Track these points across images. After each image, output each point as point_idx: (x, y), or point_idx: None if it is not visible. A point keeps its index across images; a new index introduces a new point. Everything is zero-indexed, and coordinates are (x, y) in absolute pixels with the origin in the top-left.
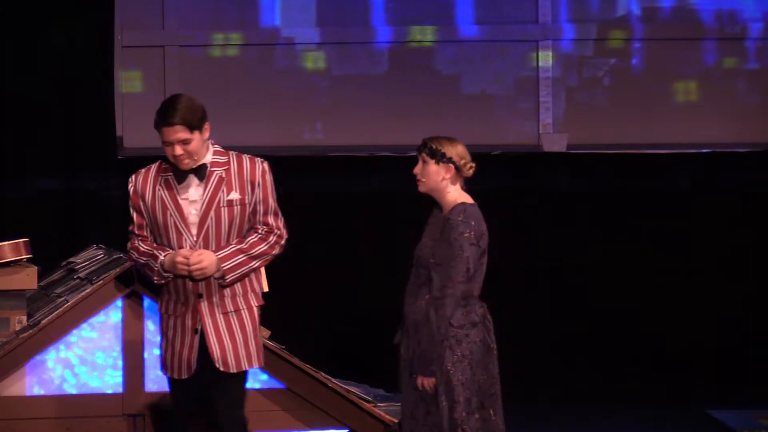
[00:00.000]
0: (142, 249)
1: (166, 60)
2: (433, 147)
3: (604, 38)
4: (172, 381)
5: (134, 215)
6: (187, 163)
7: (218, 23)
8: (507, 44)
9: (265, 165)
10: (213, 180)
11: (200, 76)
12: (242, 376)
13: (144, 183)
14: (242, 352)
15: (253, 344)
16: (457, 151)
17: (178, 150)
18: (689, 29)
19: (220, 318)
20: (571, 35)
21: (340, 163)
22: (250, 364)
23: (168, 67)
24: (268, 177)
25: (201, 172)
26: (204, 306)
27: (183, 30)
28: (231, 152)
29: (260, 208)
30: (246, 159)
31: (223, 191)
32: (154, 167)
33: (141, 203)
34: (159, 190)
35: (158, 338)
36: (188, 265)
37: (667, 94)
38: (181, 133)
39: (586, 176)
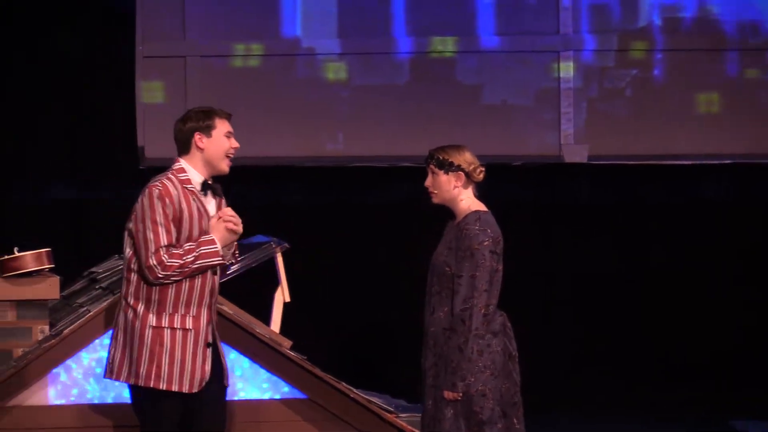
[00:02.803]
0: (181, 251)
1: (187, 70)
2: (441, 157)
3: (625, 49)
4: (172, 396)
5: (171, 227)
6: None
7: (239, 34)
8: (528, 55)
9: None
10: (219, 199)
11: (221, 86)
12: None
13: (177, 192)
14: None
15: None
16: (464, 157)
17: (236, 142)
18: (711, 40)
19: (216, 332)
20: (593, 46)
21: (361, 173)
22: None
23: (189, 78)
24: None
25: (218, 189)
26: (213, 319)
27: (204, 40)
28: None
29: None
30: None
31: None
32: (173, 178)
33: (180, 214)
34: (193, 200)
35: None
36: (234, 215)
37: (689, 105)
38: None
39: (607, 187)
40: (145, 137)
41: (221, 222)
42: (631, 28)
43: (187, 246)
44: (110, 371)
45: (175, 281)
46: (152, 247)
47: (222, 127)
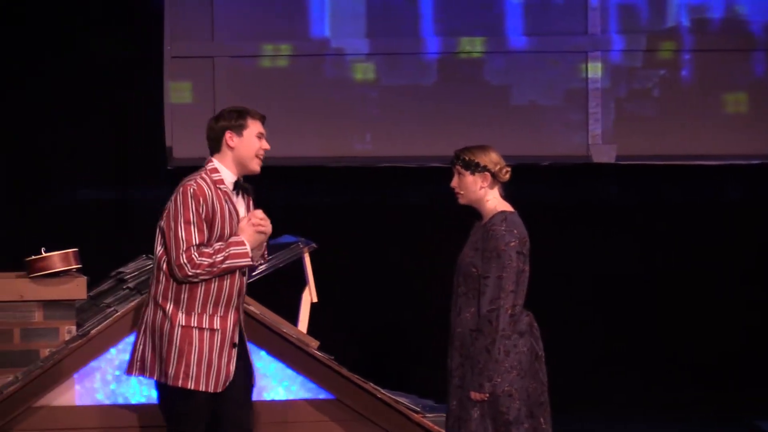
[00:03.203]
0: (211, 251)
1: (215, 71)
2: (466, 158)
3: (653, 49)
4: (199, 395)
5: (204, 227)
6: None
7: (268, 34)
8: (556, 55)
9: None
10: (247, 198)
11: (250, 86)
12: None
13: (211, 193)
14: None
15: None
16: (490, 158)
17: (267, 144)
18: (739, 40)
19: (244, 332)
20: (621, 46)
21: (389, 173)
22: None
23: (218, 78)
24: None
25: (249, 189)
26: (240, 319)
27: (233, 40)
28: None
29: None
30: None
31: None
32: (206, 178)
33: (212, 214)
34: (225, 201)
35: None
36: (264, 217)
37: (716, 105)
38: None
39: (635, 187)
40: (173, 138)
41: (250, 224)
42: (659, 29)
43: (216, 245)
44: (141, 368)
45: (203, 280)
46: (183, 246)
47: (254, 127)
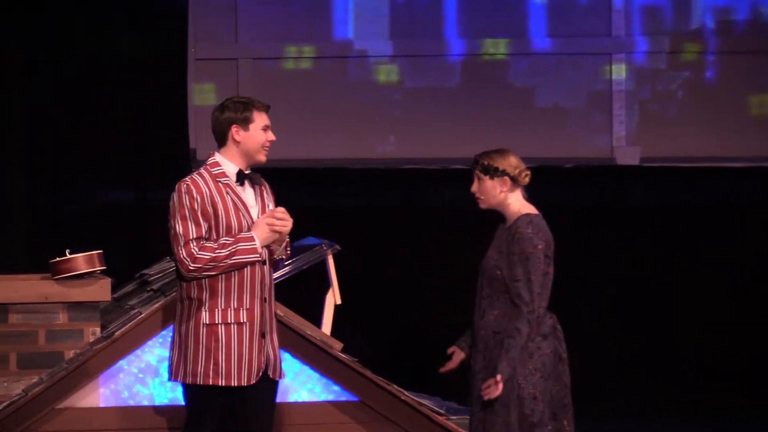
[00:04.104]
0: (215, 245)
1: (239, 72)
2: (485, 163)
3: (677, 51)
4: (224, 393)
5: (201, 221)
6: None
7: (291, 36)
8: (580, 57)
9: None
10: (259, 188)
11: (273, 88)
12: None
13: (207, 187)
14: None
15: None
16: (509, 162)
17: (273, 135)
18: (764, 42)
19: (274, 324)
20: (645, 48)
21: (413, 175)
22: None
23: (241, 80)
24: None
25: (256, 178)
26: (267, 310)
27: (256, 43)
28: None
29: None
30: None
31: (267, 201)
32: (204, 173)
33: (208, 207)
34: (226, 193)
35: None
36: (282, 218)
37: (741, 107)
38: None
39: (659, 189)
40: (197, 139)
41: (265, 221)
42: (684, 30)
43: (222, 240)
44: (170, 373)
45: (209, 276)
46: (182, 241)
47: (260, 120)
